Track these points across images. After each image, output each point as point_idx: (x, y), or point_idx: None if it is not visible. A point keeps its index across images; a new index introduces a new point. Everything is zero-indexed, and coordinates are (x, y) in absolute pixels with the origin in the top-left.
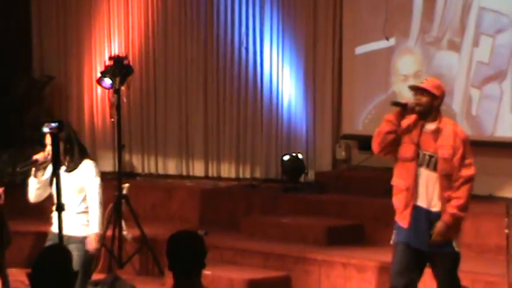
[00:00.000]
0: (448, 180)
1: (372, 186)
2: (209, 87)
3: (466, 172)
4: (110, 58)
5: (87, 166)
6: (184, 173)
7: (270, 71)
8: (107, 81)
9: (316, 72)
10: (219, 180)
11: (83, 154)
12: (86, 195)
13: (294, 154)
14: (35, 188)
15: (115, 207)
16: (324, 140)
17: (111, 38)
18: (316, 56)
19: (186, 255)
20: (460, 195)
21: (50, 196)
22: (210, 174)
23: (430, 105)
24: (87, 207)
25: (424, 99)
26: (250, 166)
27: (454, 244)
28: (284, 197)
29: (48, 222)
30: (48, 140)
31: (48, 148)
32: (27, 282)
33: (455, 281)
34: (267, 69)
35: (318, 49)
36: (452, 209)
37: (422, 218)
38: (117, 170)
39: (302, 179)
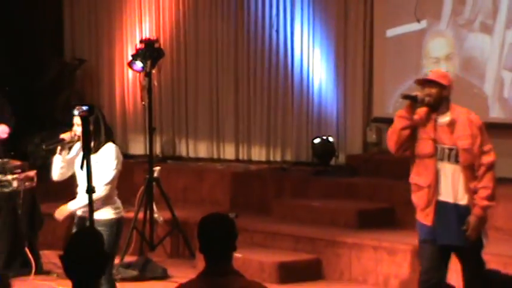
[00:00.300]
0: (471, 171)
1: (403, 170)
2: (240, 70)
3: (487, 159)
4: (141, 41)
5: (108, 148)
6: (215, 156)
7: (300, 54)
8: (138, 65)
9: (347, 54)
10: (250, 163)
11: (108, 137)
12: None
13: (324, 137)
14: (59, 167)
15: (146, 190)
16: (354, 123)
17: (142, 21)
18: (347, 39)
19: (216, 238)
20: (486, 185)
21: (75, 179)
22: (240, 157)
23: (439, 96)
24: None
25: (433, 90)
26: (281, 149)
27: (482, 235)
28: (315, 180)
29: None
30: (76, 120)
31: (75, 128)
32: (59, 264)
33: (482, 266)
34: (297, 52)
35: (348, 32)
36: (482, 201)
37: (450, 213)
38: (148, 153)
39: (333, 162)
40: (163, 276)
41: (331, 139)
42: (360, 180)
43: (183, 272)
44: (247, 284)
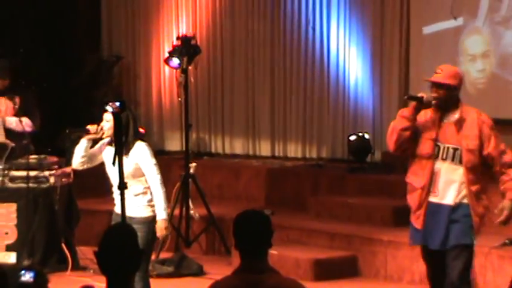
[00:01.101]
0: (474, 173)
1: None
2: (276, 67)
3: (508, 158)
4: (178, 38)
5: (140, 148)
6: (251, 153)
7: (336, 51)
8: (175, 61)
9: (383, 51)
10: (286, 160)
11: (136, 136)
12: (141, 177)
13: (360, 134)
14: (80, 156)
15: (182, 186)
16: (390, 120)
17: (179, 18)
18: (384, 36)
19: (252, 235)
20: None
21: (108, 177)
22: (276, 154)
23: (448, 97)
24: (145, 188)
25: (440, 91)
26: (317, 146)
27: (473, 236)
28: (350, 177)
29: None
30: (105, 116)
31: (103, 124)
32: (96, 260)
33: (467, 278)
34: (333, 49)
35: (385, 29)
36: None
37: (442, 216)
38: (184, 149)
39: (369, 159)
40: (199, 272)
41: (367, 136)
42: (395, 177)
43: (219, 269)
44: (283, 281)
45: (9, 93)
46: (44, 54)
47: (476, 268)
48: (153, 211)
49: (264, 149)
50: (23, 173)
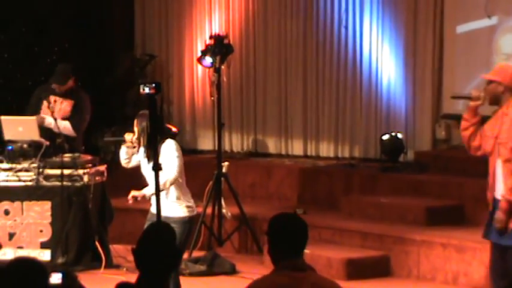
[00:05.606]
0: (508, 167)
1: (473, 167)
2: (308, 66)
3: None
4: (211, 37)
5: (167, 145)
6: (283, 152)
7: (369, 50)
8: (208, 60)
9: (417, 51)
10: (318, 159)
11: (163, 135)
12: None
13: (393, 133)
14: (124, 158)
15: (214, 185)
16: (423, 120)
17: (212, 17)
18: (417, 35)
19: (296, 236)
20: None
21: (143, 178)
22: (309, 153)
23: (494, 91)
24: (176, 186)
25: (488, 87)
26: (349, 145)
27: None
28: (383, 176)
29: (149, 201)
30: (136, 125)
31: (136, 136)
32: (129, 258)
33: None
34: (366, 48)
35: (418, 28)
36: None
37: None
38: (216, 148)
39: (401, 158)
40: (232, 271)
41: (399, 135)
42: (428, 177)
43: (251, 268)
44: (323, 279)
45: (64, 95)
46: (78, 54)
47: None
48: (189, 211)
49: (297, 148)
50: (57, 172)
